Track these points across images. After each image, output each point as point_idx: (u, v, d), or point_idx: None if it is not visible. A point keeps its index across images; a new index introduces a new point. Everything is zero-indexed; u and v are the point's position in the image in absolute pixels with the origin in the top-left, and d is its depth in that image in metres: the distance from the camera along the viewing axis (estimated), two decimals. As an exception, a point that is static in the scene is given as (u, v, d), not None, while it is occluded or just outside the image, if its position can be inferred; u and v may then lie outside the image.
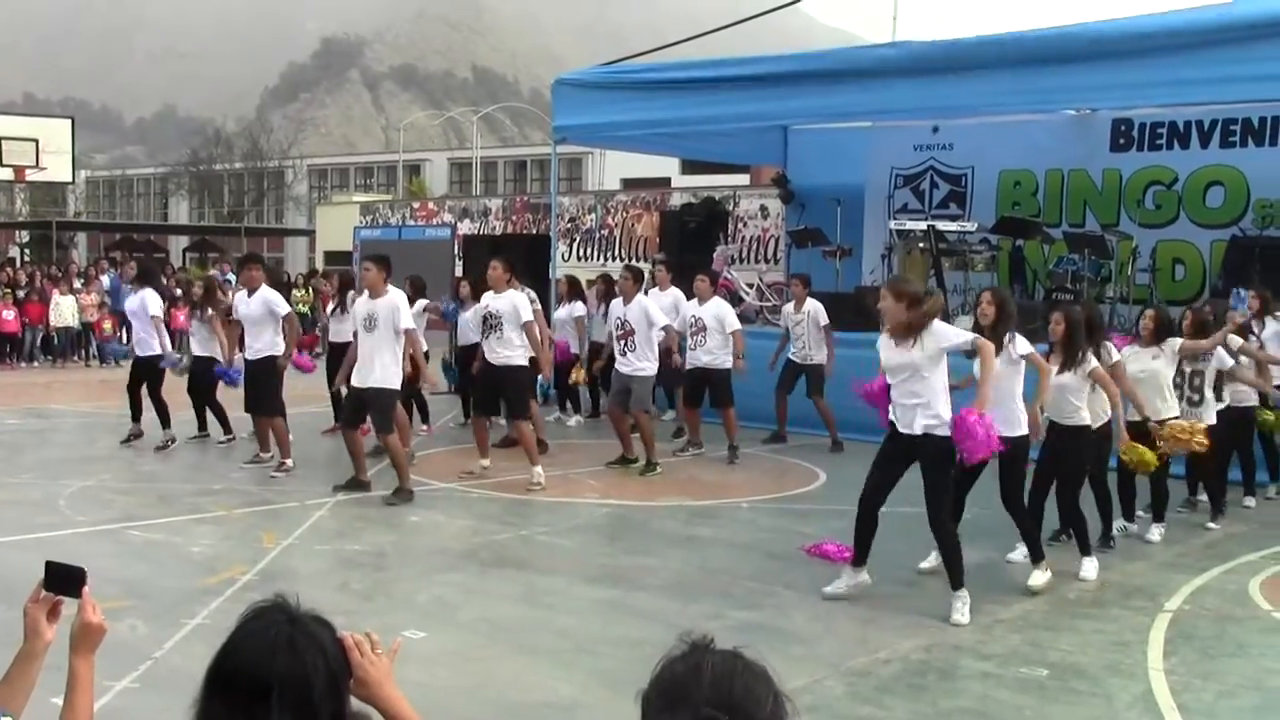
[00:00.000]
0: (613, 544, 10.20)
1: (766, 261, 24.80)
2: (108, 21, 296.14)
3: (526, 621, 7.74)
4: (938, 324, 8.01)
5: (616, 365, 13.51)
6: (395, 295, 11.58)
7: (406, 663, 4.95)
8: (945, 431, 7.87)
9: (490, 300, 12.43)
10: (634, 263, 20.39)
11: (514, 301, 12.29)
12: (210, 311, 14.19)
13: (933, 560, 8.80)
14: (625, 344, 13.21)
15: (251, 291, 13.02)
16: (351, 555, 9.41)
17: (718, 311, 14.05)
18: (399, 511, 10.91)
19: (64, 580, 2.88)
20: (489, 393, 12.74)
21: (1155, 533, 10.43)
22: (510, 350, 12.26)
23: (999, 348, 8.42)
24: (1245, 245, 16.20)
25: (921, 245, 17.22)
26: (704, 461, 14.03)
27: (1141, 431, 9.73)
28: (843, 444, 14.56)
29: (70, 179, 36.80)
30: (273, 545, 9.51)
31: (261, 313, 12.97)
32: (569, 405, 17.51)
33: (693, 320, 14.11)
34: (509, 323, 12.22)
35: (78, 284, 28.04)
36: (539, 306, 14.41)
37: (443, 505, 11.38)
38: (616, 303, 13.71)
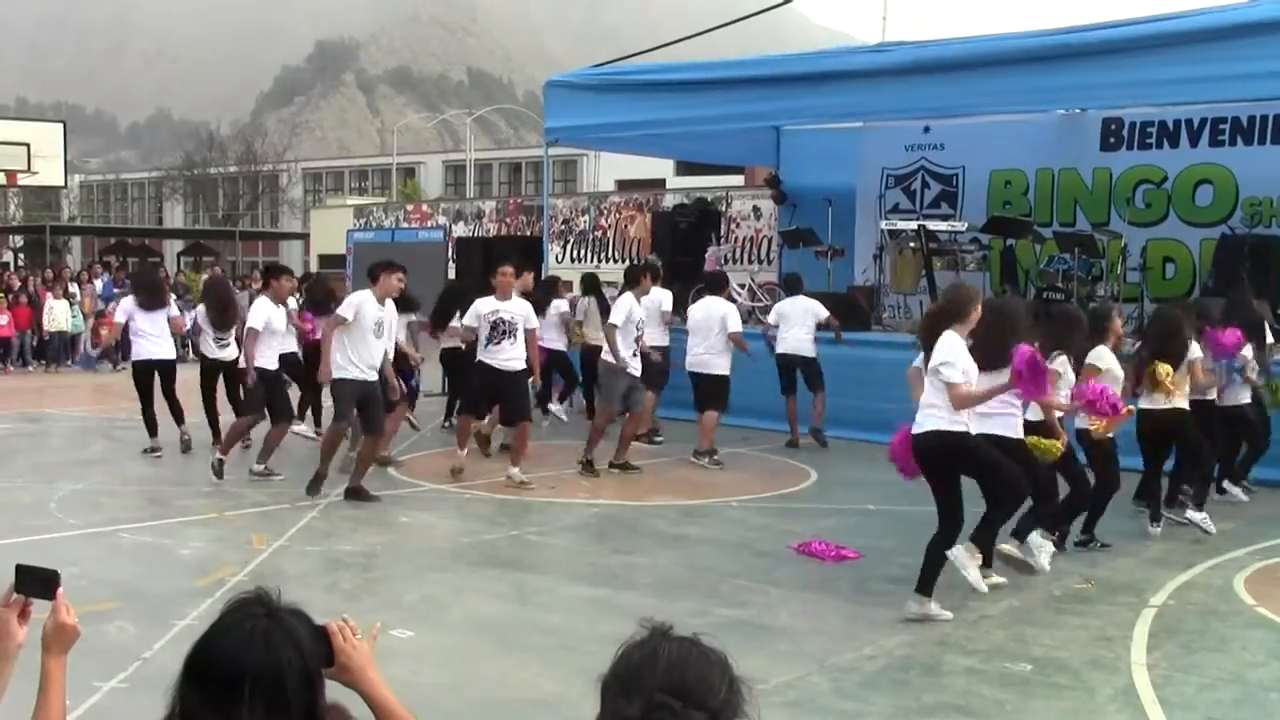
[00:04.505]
0: (601, 543, 10.23)
1: (759, 262, 24.85)
2: (100, 25, 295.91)
3: (514, 620, 7.78)
4: None
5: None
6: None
7: (393, 661, 4.98)
8: None
9: (502, 305, 12.25)
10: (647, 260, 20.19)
11: (526, 309, 12.35)
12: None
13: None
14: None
15: (279, 301, 13.14)
16: (341, 556, 9.44)
17: (723, 312, 13.94)
18: (390, 512, 10.94)
19: (35, 582, 2.90)
20: (487, 395, 12.70)
21: (1155, 529, 10.48)
22: (520, 354, 12.26)
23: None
24: (1234, 244, 16.26)
25: (913, 245, 17.26)
26: (693, 462, 13.97)
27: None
28: (799, 442, 14.86)
29: (62, 183, 36.68)
30: (263, 546, 9.53)
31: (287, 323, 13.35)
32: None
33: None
34: (523, 328, 12.26)
35: (72, 288, 27.97)
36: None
37: (434, 506, 11.42)
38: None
